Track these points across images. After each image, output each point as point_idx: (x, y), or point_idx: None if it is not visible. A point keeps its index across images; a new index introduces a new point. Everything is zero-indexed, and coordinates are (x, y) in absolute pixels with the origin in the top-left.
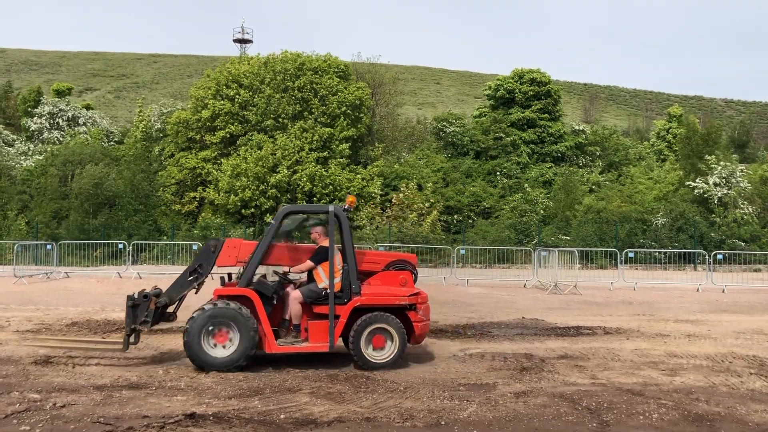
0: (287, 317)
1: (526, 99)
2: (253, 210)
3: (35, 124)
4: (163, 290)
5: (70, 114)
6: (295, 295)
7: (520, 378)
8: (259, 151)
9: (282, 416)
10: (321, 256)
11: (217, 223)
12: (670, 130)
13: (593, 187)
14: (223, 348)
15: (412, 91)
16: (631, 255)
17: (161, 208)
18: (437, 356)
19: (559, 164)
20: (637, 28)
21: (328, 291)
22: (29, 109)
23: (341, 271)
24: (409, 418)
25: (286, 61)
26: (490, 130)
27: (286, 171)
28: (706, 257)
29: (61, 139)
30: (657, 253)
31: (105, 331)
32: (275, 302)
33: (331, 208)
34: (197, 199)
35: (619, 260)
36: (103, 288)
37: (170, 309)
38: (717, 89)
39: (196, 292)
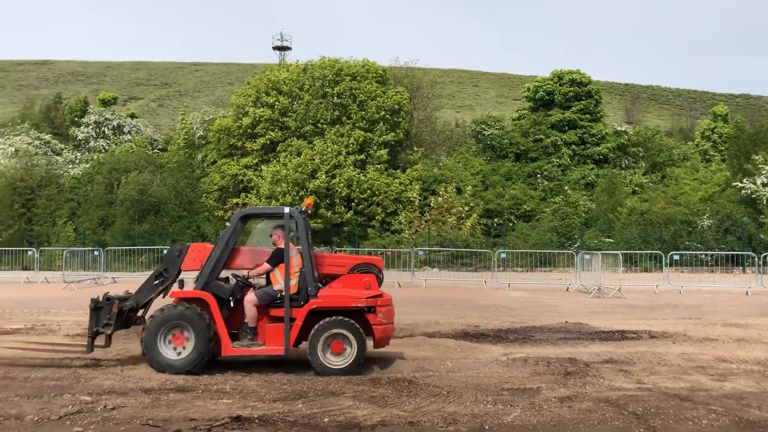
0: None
1: (566, 100)
2: None
3: (82, 133)
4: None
5: (115, 123)
6: (249, 298)
7: (564, 383)
8: (298, 157)
9: (326, 419)
10: (278, 258)
11: (259, 229)
12: (715, 130)
13: (636, 188)
14: (181, 350)
15: (450, 95)
16: (676, 258)
17: (204, 214)
18: (479, 361)
19: (601, 166)
20: (679, 26)
21: (282, 294)
22: (76, 118)
23: (298, 274)
24: (452, 422)
25: (325, 67)
26: (530, 132)
27: (324, 176)
28: (756, 259)
29: (107, 147)
30: (703, 256)
31: None
32: (232, 305)
33: (286, 210)
34: (239, 205)
35: (663, 263)
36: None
37: (139, 313)
38: (765, 87)
39: (163, 297)
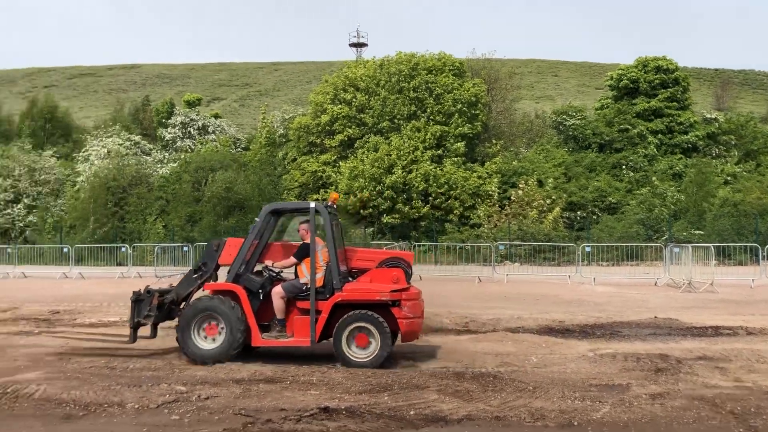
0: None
1: (652, 88)
2: (371, 210)
3: (169, 133)
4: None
5: (200, 123)
6: (276, 290)
7: (655, 379)
8: (375, 153)
9: (411, 413)
10: (304, 252)
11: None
12: None
13: (729, 178)
14: (212, 340)
15: (529, 85)
16: None
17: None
18: (566, 356)
19: (690, 155)
20: None
21: (308, 287)
22: (163, 120)
23: (324, 267)
24: (540, 417)
25: (401, 62)
26: (614, 122)
27: (400, 171)
28: None
29: (192, 147)
30: None
31: None
32: (261, 297)
33: (312, 204)
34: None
35: (760, 256)
36: None
37: (182, 306)
38: None
39: (203, 290)
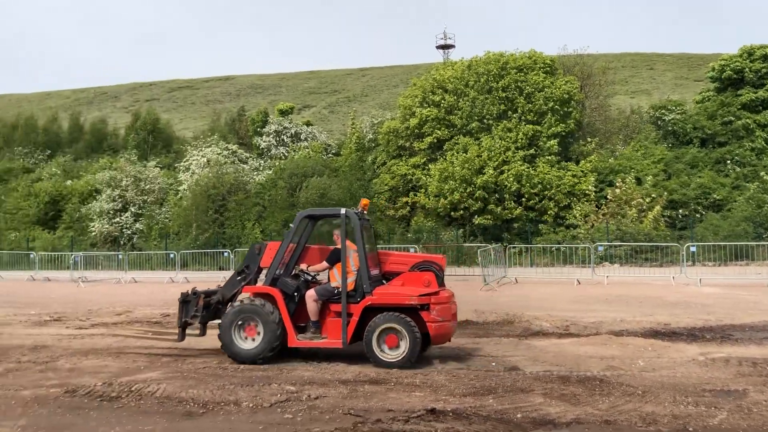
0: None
1: (759, 78)
2: (462, 212)
3: (264, 142)
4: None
5: (293, 131)
6: (309, 294)
7: None
8: (464, 154)
9: (519, 415)
10: (336, 256)
11: (429, 227)
12: None
13: None
14: (252, 341)
15: (624, 80)
16: None
17: (377, 214)
18: (674, 360)
19: None
20: None
21: (339, 290)
22: (258, 129)
23: (355, 272)
24: (652, 422)
25: (489, 62)
26: (717, 115)
27: (492, 172)
28: None
29: (286, 154)
30: None
31: None
32: (297, 300)
33: (342, 210)
34: (409, 204)
35: None
36: None
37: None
38: None
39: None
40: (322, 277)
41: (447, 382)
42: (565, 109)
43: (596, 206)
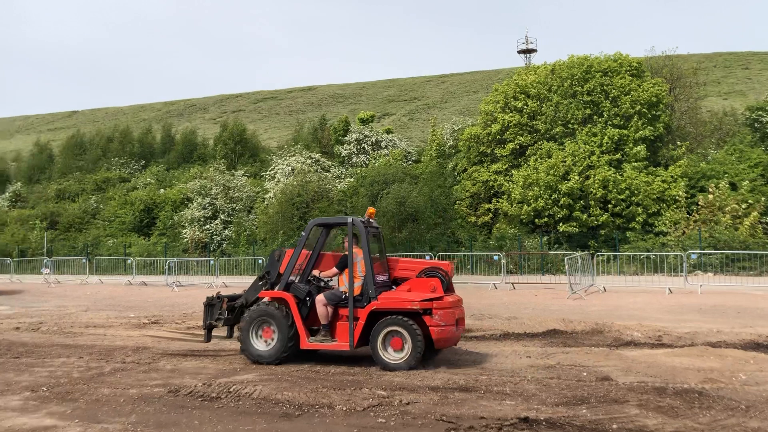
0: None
1: None
2: (546, 219)
3: (345, 150)
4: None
5: (373, 139)
6: (319, 298)
7: None
8: (548, 160)
9: (614, 426)
10: (344, 262)
11: (512, 234)
12: None
13: None
14: (267, 343)
15: (716, 81)
16: None
17: (458, 221)
18: None
19: None
20: None
21: (347, 295)
22: (339, 137)
23: (362, 277)
24: None
25: (573, 66)
26: None
27: (577, 178)
28: None
29: (367, 162)
30: None
31: None
32: (309, 304)
33: (349, 219)
34: (491, 211)
35: None
36: None
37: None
38: None
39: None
40: (336, 282)
41: (538, 391)
42: (653, 112)
43: (687, 213)
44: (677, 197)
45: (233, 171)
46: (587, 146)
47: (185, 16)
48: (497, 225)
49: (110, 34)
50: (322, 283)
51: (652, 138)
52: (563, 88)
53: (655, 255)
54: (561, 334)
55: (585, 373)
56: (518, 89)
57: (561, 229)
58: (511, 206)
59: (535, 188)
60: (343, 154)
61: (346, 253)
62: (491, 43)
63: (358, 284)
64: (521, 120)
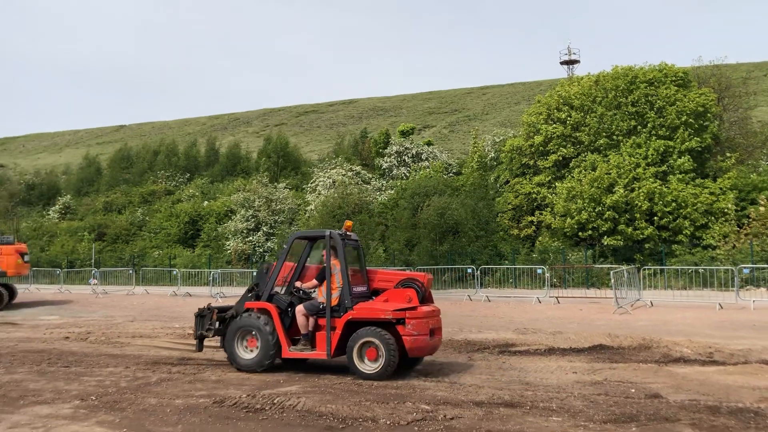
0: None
1: None
2: (590, 232)
3: (386, 162)
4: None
5: (414, 151)
6: (299, 309)
7: None
8: (592, 172)
9: None
10: (323, 274)
11: (555, 247)
12: None
13: None
14: (251, 351)
15: (767, 90)
16: None
17: (500, 234)
18: None
19: None
20: None
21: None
22: (380, 150)
23: (340, 289)
24: None
25: (618, 77)
26: None
27: (622, 191)
28: None
29: (407, 174)
30: None
31: (468, 351)
32: (290, 314)
33: (327, 232)
34: (534, 224)
35: None
36: (457, 310)
37: None
38: None
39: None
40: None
41: (585, 407)
42: (700, 122)
43: (737, 226)
44: (726, 210)
45: (276, 183)
46: (632, 158)
47: (228, 32)
48: (540, 238)
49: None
50: (302, 294)
51: (699, 149)
52: (607, 99)
53: (703, 269)
54: (607, 349)
55: (633, 390)
56: (561, 100)
57: (606, 243)
58: (555, 219)
59: (579, 201)
60: (383, 167)
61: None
62: (533, 54)
63: (335, 295)
64: (564, 131)
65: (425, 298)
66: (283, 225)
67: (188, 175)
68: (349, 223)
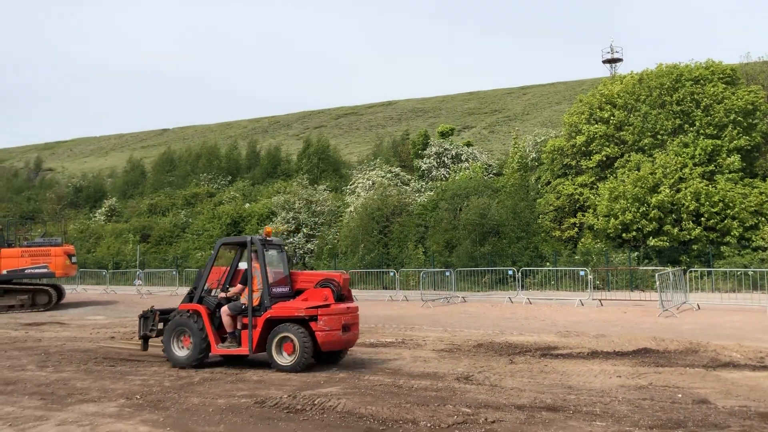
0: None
1: None
2: (634, 233)
3: (425, 164)
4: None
5: (453, 152)
6: (223, 309)
7: None
8: (637, 172)
9: None
10: (246, 277)
11: (598, 248)
12: None
13: None
14: (185, 349)
15: None
16: None
17: (542, 235)
18: None
19: None
20: None
21: (247, 305)
22: (419, 151)
23: (261, 290)
24: None
25: (662, 75)
26: None
27: (667, 191)
28: None
29: (447, 175)
30: None
31: (510, 354)
32: (218, 315)
33: (247, 238)
34: (576, 225)
35: None
36: (498, 312)
37: None
38: None
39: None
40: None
41: (630, 412)
42: (750, 121)
43: None
44: None
45: (315, 186)
46: (678, 157)
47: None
48: (582, 239)
49: (198, 54)
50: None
51: (749, 148)
52: (651, 97)
53: (753, 271)
54: (653, 353)
55: (680, 395)
56: (604, 99)
57: (650, 244)
58: (597, 220)
59: (622, 201)
60: (422, 168)
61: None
62: (574, 53)
63: (257, 296)
64: (607, 131)
65: (343, 297)
66: (323, 227)
67: (230, 177)
68: (268, 229)
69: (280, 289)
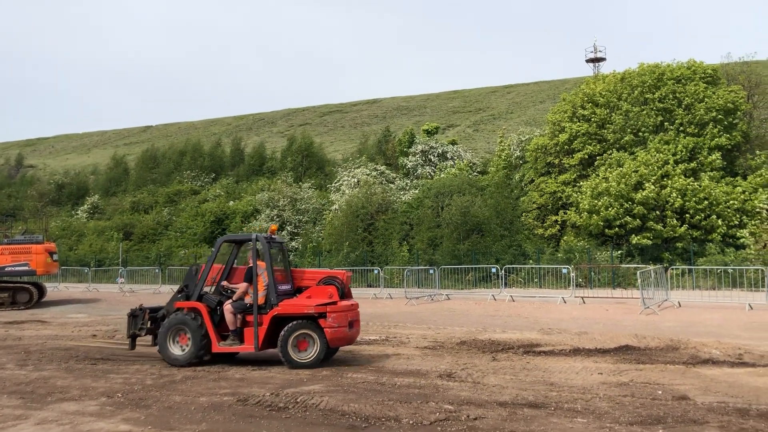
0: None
1: None
2: (617, 230)
3: (410, 162)
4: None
5: (439, 150)
6: (227, 307)
7: None
8: (619, 169)
9: None
10: (250, 274)
11: (581, 246)
12: None
13: None
14: (183, 348)
15: None
16: None
17: (524, 233)
18: None
19: None
20: None
21: (252, 303)
22: (404, 149)
23: (266, 287)
24: None
25: (644, 73)
26: None
27: (652, 187)
28: None
29: (432, 173)
30: None
31: (493, 351)
32: (219, 312)
33: (253, 235)
34: (559, 223)
35: None
36: (481, 310)
37: None
38: None
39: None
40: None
41: (610, 408)
42: (730, 120)
43: None
44: (758, 208)
45: (300, 183)
46: (660, 155)
47: (252, 33)
48: (565, 237)
49: (182, 51)
50: (230, 292)
51: (729, 147)
52: (633, 95)
53: (733, 269)
54: (634, 350)
55: (660, 392)
56: (586, 98)
57: (633, 241)
58: (580, 216)
59: (605, 198)
60: (408, 166)
61: (250, 265)
62: (558, 52)
63: (262, 294)
64: (589, 129)
65: (345, 294)
66: (308, 224)
67: (214, 175)
68: (273, 227)
69: (282, 287)
